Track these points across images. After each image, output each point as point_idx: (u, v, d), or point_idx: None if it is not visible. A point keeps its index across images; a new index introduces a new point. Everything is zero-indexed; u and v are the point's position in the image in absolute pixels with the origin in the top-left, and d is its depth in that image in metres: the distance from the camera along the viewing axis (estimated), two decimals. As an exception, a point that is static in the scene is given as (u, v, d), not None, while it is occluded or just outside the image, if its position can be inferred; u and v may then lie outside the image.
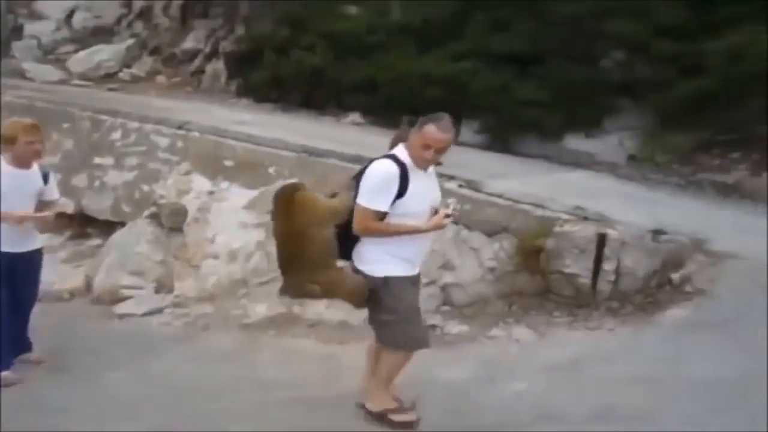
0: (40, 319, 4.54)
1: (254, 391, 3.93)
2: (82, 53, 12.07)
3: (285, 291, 3.53)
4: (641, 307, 5.14)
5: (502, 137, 8.99)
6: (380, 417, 3.58)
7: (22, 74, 11.33)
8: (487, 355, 4.50)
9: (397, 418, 3.56)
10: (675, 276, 5.33)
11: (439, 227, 3.50)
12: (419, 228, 3.41)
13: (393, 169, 3.32)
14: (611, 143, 8.70)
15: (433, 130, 3.36)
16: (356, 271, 3.46)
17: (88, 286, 6.06)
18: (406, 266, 3.46)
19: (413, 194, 3.36)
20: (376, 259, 3.41)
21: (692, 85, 8.16)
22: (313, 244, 3.33)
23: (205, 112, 8.82)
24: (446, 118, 3.44)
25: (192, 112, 8.55)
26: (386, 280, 3.41)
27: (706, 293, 5.06)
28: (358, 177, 3.43)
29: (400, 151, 3.45)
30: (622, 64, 8.97)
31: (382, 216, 3.34)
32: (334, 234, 3.40)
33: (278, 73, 10.53)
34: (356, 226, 3.36)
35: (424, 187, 3.47)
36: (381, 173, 3.33)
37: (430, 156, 3.40)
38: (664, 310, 5.03)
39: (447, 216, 3.48)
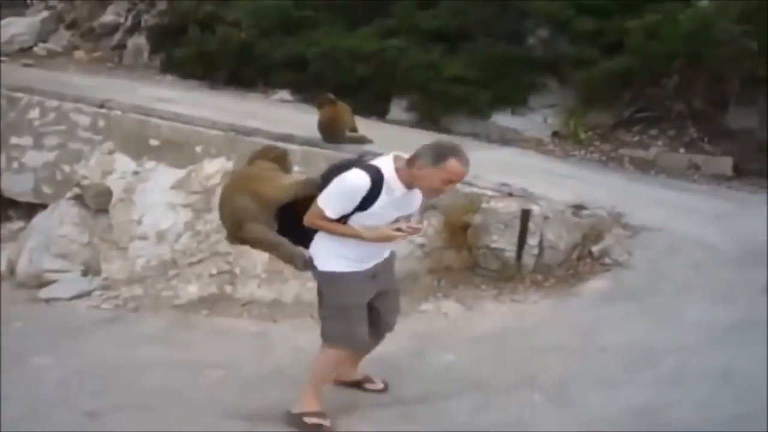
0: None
1: (188, 371, 4.01)
2: (-7, 26, 11.61)
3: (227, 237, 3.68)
4: (563, 279, 5.43)
5: (431, 115, 9.17)
6: (296, 419, 3.49)
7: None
8: (417, 328, 4.68)
9: (310, 420, 3.48)
10: (595, 249, 5.64)
11: (386, 239, 3.34)
12: (362, 235, 3.28)
13: (363, 184, 3.18)
14: (536, 120, 9.01)
15: (457, 165, 3.16)
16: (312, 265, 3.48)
17: (11, 270, 5.96)
18: (353, 264, 3.39)
19: (376, 211, 3.24)
20: (322, 254, 3.42)
21: (613, 63, 8.54)
22: (252, 197, 3.50)
23: (128, 89, 8.67)
24: (463, 150, 3.25)
25: (114, 89, 8.40)
26: (329, 275, 3.42)
27: (622, 264, 5.38)
28: (330, 174, 3.34)
29: (387, 166, 3.29)
30: (546, 42, 9.27)
31: (330, 220, 3.29)
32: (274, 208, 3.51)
33: (204, 48, 10.38)
34: (305, 217, 3.36)
35: (397, 204, 3.30)
36: (348, 185, 3.20)
37: (448, 190, 3.34)
38: (585, 281, 5.32)
39: (399, 230, 3.29)
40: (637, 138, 9.06)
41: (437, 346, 4.40)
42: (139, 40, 11.41)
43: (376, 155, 3.48)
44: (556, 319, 4.77)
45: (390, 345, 4.41)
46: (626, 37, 8.48)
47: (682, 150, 8.74)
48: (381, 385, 3.89)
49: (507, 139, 8.78)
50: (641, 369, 3.95)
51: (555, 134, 8.94)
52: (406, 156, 3.32)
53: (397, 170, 3.27)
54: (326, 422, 3.50)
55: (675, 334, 4.37)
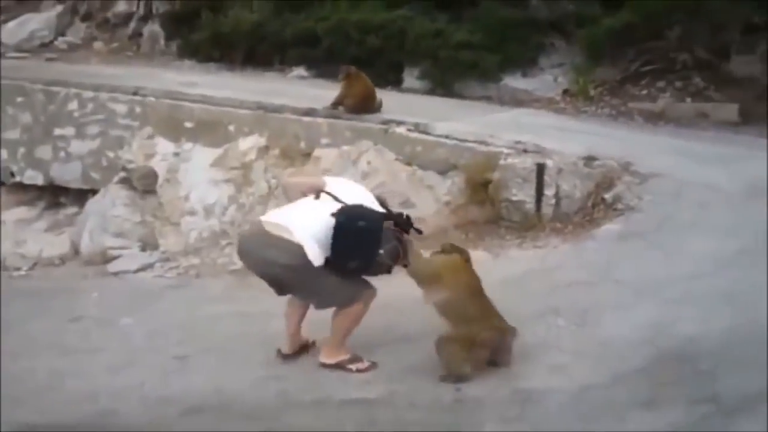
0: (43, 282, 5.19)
1: (256, 321, 4.68)
2: (11, 24, 12.25)
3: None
4: (580, 224, 6.08)
5: (442, 81, 9.77)
6: (338, 366, 3.90)
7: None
8: (449, 275, 5.34)
9: (354, 365, 3.89)
10: (607, 196, 6.28)
11: None
12: None
13: None
14: (547, 80, 9.60)
15: None
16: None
17: (75, 250, 6.69)
18: None
19: None
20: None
21: (614, 19, 9.10)
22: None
23: (154, 76, 9.32)
24: None
25: (141, 77, 9.07)
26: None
27: (633, 208, 6.03)
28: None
29: None
30: (548, 2, 9.82)
31: None
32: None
33: (218, 31, 11.00)
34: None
35: None
36: None
37: None
38: (600, 225, 5.96)
39: None
40: (645, 91, 9.64)
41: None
42: (153, 27, 12.04)
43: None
44: (575, 258, 5.42)
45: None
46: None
47: (688, 100, 9.33)
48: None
49: (519, 100, 9.38)
50: (651, 295, 4.60)
51: (565, 92, 9.53)
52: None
53: None
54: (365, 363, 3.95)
55: (682, 265, 5.01)
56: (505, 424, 3.32)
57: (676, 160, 7.00)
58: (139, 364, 4.22)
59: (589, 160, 6.54)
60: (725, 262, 5.04)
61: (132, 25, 12.29)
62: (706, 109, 8.99)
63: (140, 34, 12.14)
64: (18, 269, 6.55)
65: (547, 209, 6.21)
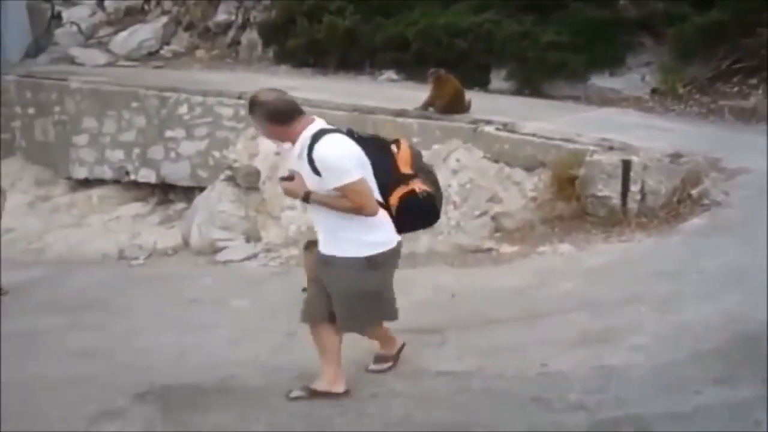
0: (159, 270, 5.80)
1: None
2: (122, 34, 13.23)
3: None
4: (665, 220, 6.26)
5: (529, 82, 10.03)
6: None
7: (71, 60, 12.54)
8: (537, 266, 5.67)
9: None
10: (693, 191, 6.45)
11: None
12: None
13: None
14: (634, 79, 9.73)
15: None
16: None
17: (186, 242, 7.36)
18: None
19: None
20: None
21: (705, 17, 9.16)
22: None
23: (254, 81, 9.92)
24: None
25: (243, 82, 9.73)
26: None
27: (720, 204, 6.19)
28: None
29: None
30: (637, 1, 9.94)
31: None
32: None
33: (312, 38, 11.61)
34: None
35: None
36: None
37: None
38: (686, 220, 6.13)
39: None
40: (736, 89, 9.62)
41: (556, 278, 5.37)
42: (251, 35, 12.77)
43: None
44: (659, 251, 5.64)
45: (516, 279, 5.47)
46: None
47: (782, 96, 9.26)
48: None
49: (606, 99, 9.55)
50: (733, 285, 4.78)
51: (654, 91, 9.62)
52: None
53: None
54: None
55: (765, 257, 5.19)
56: (587, 394, 3.63)
57: (765, 157, 7.07)
58: (252, 339, 4.76)
59: (675, 156, 6.71)
60: (811, 256, 5.18)
61: (231, 33, 13.07)
62: (800, 106, 8.93)
63: (239, 42, 12.89)
64: (136, 259, 7.27)
65: (633, 205, 6.41)
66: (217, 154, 8.50)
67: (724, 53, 9.54)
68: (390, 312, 3.86)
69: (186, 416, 3.77)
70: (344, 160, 3.43)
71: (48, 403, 4.06)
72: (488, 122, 7.51)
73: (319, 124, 3.57)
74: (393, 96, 9.20)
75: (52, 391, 4.19)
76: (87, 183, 9.56)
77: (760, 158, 6.97)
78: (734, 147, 7.33)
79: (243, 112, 8.62)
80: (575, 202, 6.63)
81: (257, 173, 7.73)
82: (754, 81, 9.60)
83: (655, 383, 3.68)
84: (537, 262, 5.78)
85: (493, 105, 8.63)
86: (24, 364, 4.63)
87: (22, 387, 4.26)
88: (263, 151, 7.99)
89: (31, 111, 10.30)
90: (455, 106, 7.80)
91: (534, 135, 7.16)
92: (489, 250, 6.15)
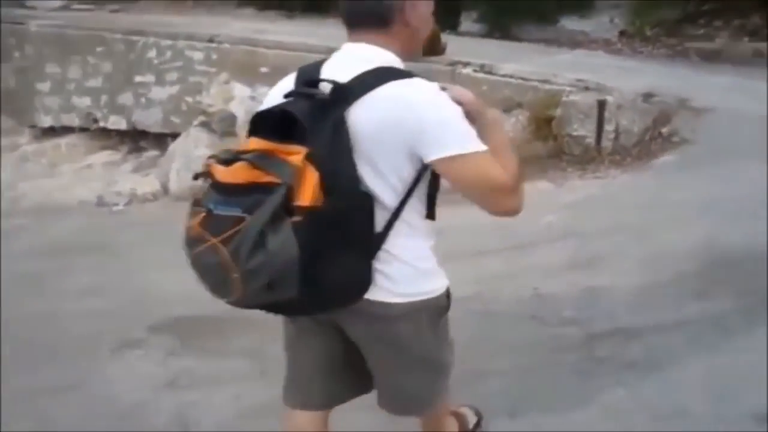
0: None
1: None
2: (74, -24, 13.04)
3: None
4: (638, 157, 6.76)
5: (500, 25, 10.38)
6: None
7: (20, 3, 12.35)
8: (517, 202, 6.10)
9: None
10: (664, 130, 6.95)
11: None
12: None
13: None
14: (603, 21, 10.17)
15: None
16: None
17: (164, 189, 7.60)
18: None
19: None
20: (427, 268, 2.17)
21: (673, -41, 9.59)
22: None
23: (222, 24, 10.08)
24: None
25: (211, 25, 9.82)
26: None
27: (689, 141, 6.70)
28: None
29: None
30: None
31: None
32: None
33: (277, -21, 11.70)
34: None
35: None
36: None
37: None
38: (657, 157, 6.64)
39: None
40: (702, 31, 10.15)
41: (538, 212, 5.77)
42: (212, -24, 12.72)
43: None
44: (634, 186, 6.13)
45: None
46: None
47: (746, 39, 9.81)
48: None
49: (576, 41, 9.98)
50: (704, 213, 5.27)
51: (622, 33, 10.09)
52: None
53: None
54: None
55: (735, 189, 5.68)
56: (579, 311, 4.09)
57: (731, 96, 7.59)
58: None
59: (647, 96, 7.17)
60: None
61: (190, -26, 13.00)
62: (764, 48, 9.47)
63: (199, -17, 12.84)
64: (116, 205, 7.49)
65: (607, 143, 6.88)
66: (189, 99, 8.65)
67: (692, -5, 10.01)
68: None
69: (206, 343, 4.12)
70: None
71: (63, 336, 4.35)
72: (466, 64, 7.84)
73: None
74: (364, 39, 9.41)
75: (66, 326, 4.47)
76: (54, 131, 9.63)
77: (726, 97, 7.50)
78: (702, 87, 7.83)
79: (215, 55, 8.80)
80: (552, 141, 7.07)
81: (232, 117, 7.94)
82: (719, 23, 10.12)
83: (641, 301, 4.16)
84: (517, 199, 6.18)
85: (467, 47, 8.93)
86: (29, 301, 4.86)
87: (33, 321, 4.52)
88: (238, 96, 8.19)
89: (-12, 57, 10.24)
90: (432, 47, 8.08)
91: (511, 76, 7.53)
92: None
